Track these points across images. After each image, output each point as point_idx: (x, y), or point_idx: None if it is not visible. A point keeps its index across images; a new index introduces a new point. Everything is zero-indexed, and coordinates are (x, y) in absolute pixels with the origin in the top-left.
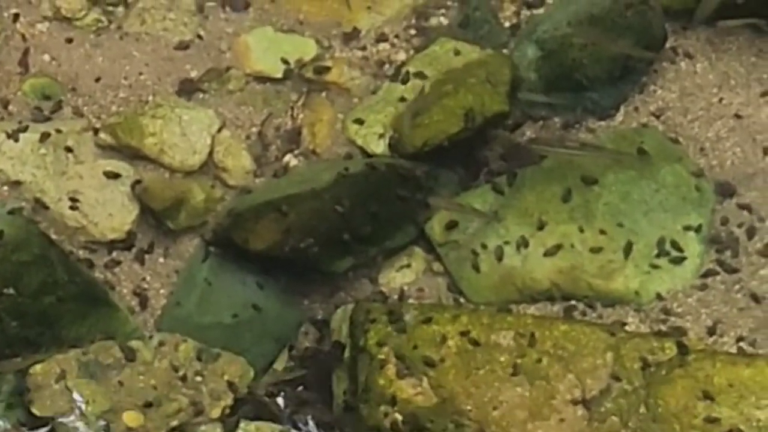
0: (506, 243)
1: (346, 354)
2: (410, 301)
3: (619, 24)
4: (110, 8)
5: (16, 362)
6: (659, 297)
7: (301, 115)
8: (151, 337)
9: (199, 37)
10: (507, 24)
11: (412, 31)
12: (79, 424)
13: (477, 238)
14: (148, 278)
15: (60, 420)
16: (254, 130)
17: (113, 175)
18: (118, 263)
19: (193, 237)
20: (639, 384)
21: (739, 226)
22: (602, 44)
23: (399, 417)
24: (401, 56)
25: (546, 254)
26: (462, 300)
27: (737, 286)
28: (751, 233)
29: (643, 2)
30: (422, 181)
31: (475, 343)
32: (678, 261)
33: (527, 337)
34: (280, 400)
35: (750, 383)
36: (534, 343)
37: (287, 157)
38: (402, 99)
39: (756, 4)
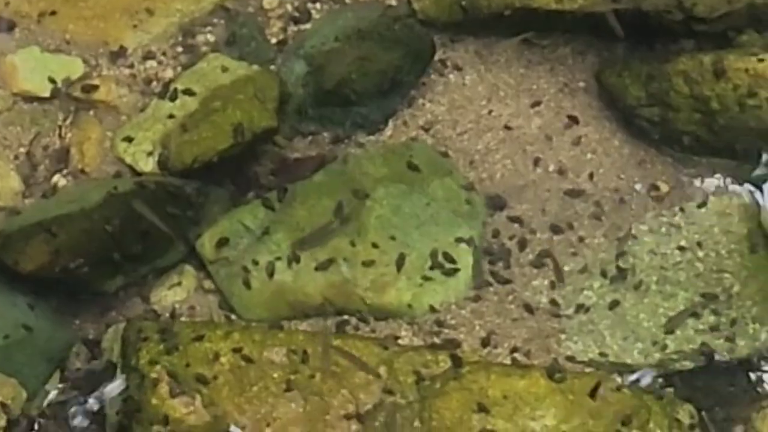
0: (277, 259)
1: (118, 373)
2: (182, 319)
3: (387, 37)
4: None
5: None
6: (432, 309)
7: (69, 134)
8: None
9: None
10: (274, 40)
11: (180, 49)
12: None
13: (248, 254)
14: None
15: None
16: (22, 150)
17: None
18: None
19: None
20: (413, 398)
21: (511, 238)
22: None
23: None
24: (169, 73)
25: (318, 269)
26: (234, 317)
27: (510, 297)
28: (522, 245)
29: (410, 15)
30: (192, 198)
31: (248, 359)
32: (451, 273)
33: (300, 354)
34: (52, 423)
35: (525, 394)
36: (307, 359)
37: (56, 177)
38: (171, 116)
39: (522, 15)
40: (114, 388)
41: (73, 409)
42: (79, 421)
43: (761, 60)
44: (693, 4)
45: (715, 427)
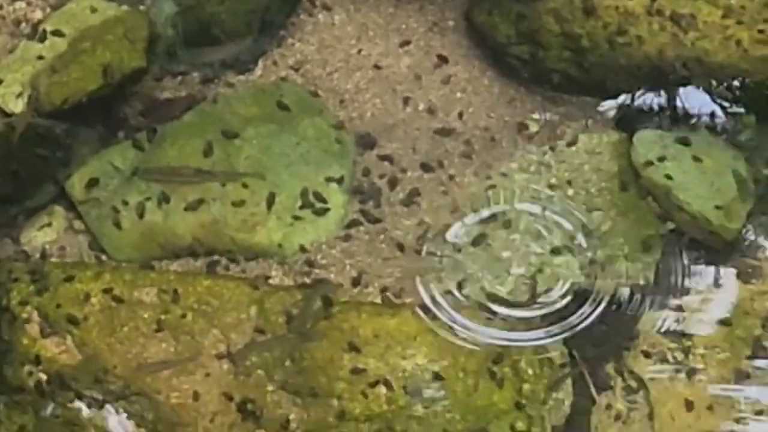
0: (147, 199)
1: None
2: (53, 260)
3: None
4: None
5: None
6: (303, 249)
7: None
8: None
9: None
10: None
11: None
12: None
13: (118, 195)
14: None
15: None
16: None
17: None
18: None
19: None
20: (284, 338)
21: (381, 177)
22: None
23: (44, 376)
24: (38, 15)
25: (187, 209)
26: (104, 258)
27: (381, 236)
28: (393, 184)
29: None
30: (62, 140)
31: (119, 300)
32: (321, 212)
33: (170, 293)
34: None
35: (396, 333)
36: (177, 299)
37: None
38: (40, 57)
39: None
40: None
41: None
42: None
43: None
44: None
45: (587, 366)
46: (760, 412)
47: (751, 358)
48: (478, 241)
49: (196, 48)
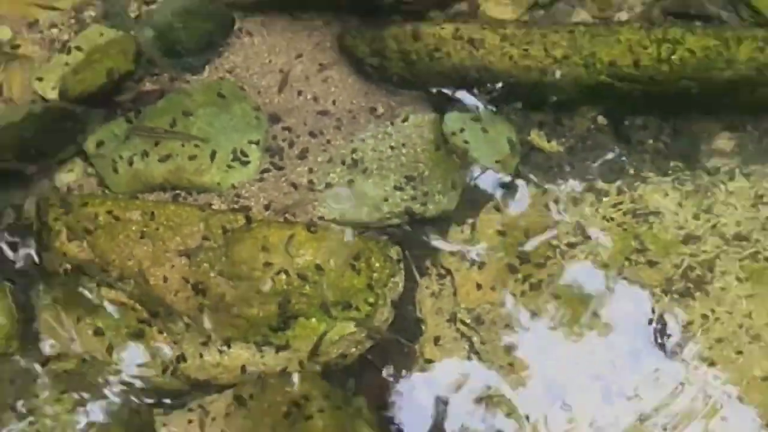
0: (134, 154)
1: (34, 227)
2: (74, 192)
3: (205, 13)
4: None
5: None
6: (233, 187)
7: (2, 76)
8: None
9: None
10: (133, 15)
11: (73, 21)
12: None
13: (116, 151)
14: None
15: None
16: None
17: None
18: None
19: None
20: (221, 243)
21: (284, 140)
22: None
23: (68, 266)
24: (65, 36)
25: (160, 161)
26: (108, 191)
27: (283, 179)
28: (291, 144)
29: (219, 0)
30: (80, 116)
31: (116, 218)
32: (245, 163)
33: (149, 214)
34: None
35: (292, 241)
36: (153, 218)
37: None
38: (67, 64)
39: None
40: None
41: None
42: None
43: (443, 28)
44: None
45: (413, 261)
46: (534, 286)
47: (521, 256)
48: (346, 181)
49: (166, 58)
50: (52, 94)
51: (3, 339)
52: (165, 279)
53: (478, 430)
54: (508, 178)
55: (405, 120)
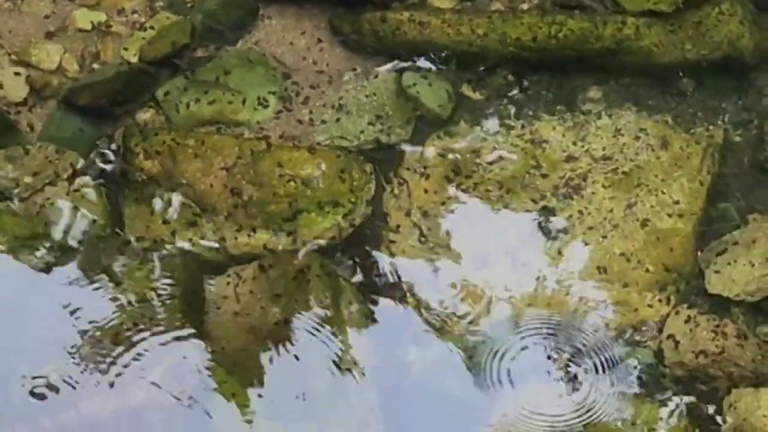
0: (190, 100)
1: (121, 149)
2: (149, 126)
3: (237, 2)
4: None
5: None
6: (258, 122)
7: (100, 46)
8: None
9: None
10: (189, 5)
11: (148, 9)
12: None
13: (179, 97)
14: None
15: None
16: (80, 54)
17: None
18: None
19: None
20: (249, 161)
21: (292, 91)
22: None
23: (145, 177)
24: (143, 19)
25: (208, 104)
26: (172, 125)
27: (292, 118)
28: (297, 94)
29: None
30: (153, 74)
31: (178, 144)
32: (266, 107)
33: (200, 141)
34: (92, 168)
35: (299, 159)
36: (203, 143)
37: (95, 65)
38: (143, 38)
39: None
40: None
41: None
42: (99, 167)
43: (401, 14)
44: None
45: (381, 173)
46: (464, 191)
47: (455, 170)
48: (334, 118)
49: (211, 34)
50: (134, 59)
51: (100, 227)
52: (211, 185)
53: (425, 285)
54: (446, 118)
55: (375, 77)
